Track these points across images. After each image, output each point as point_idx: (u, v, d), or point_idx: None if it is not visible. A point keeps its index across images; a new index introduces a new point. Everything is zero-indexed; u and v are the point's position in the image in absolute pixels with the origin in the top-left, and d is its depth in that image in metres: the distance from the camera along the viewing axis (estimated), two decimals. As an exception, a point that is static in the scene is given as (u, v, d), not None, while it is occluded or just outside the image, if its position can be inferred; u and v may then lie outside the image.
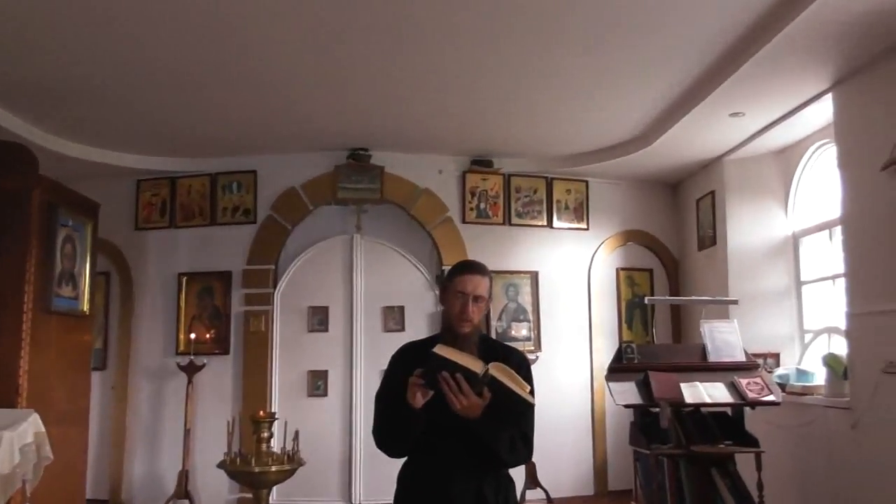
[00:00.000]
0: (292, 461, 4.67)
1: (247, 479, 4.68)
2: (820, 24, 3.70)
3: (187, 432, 5.99)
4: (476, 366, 2.14)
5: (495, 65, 4.58)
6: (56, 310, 4.55)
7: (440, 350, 2.15)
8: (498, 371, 2.15)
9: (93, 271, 5.02)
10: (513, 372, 2.17)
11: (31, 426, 3.67)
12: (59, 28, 4.01)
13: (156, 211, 6.61)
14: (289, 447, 4.70)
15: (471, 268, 2.40)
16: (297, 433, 4.72)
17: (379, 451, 2.35)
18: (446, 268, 6.21)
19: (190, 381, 6.06)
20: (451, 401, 2.13)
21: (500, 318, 6.54)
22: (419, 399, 2.17)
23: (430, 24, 4.03)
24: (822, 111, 4.85)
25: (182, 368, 6.07)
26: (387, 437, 2.32)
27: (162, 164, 6.49)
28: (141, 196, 6.64)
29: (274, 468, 4.56)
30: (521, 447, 2.28)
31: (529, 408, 2.24)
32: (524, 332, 6.56)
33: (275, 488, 5.33)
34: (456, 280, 2.36)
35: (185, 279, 6.44)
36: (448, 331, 2.36)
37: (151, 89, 4.94)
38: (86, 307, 4.93)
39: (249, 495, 5.54)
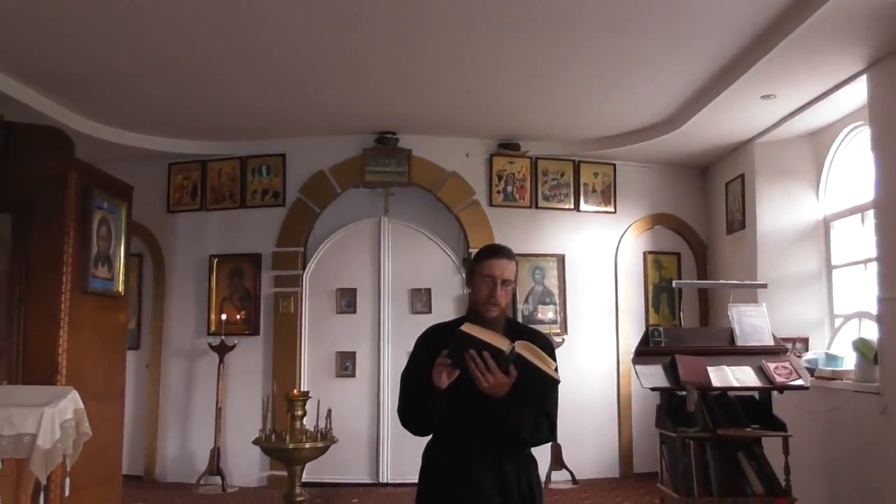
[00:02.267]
0: (325, 439, 4.76)
1: (281, 455, 4.78)
2: (855, 4, 3.63)
3: (218, 411, 6.12)
4: (503, 344, 2.16)
5: (522, 47, 4.57)
6: (92, 290, 4.64)
7: (467, 328, 2.17)
8: (524, 349, 2.16)
9: (127, 253, 5.10)
10: (539, 350, 2.19)
11: (71, 403, 3.76)
12: (96, 19, 4.11)
13: (187, 194, 6.73)
14: (321, 425, 4.79)
15: (498, 252, 2.41)
16: (329, 411, 4.80)
17: (405, 429, 2.39)
18: (473, 251, 6.28)
19: (221, 361, 6.18)
20: (478, 378, 2.15)
21: (526, 301, 6.57)
22: (444, 379, 2.19)
23: (456, 8, 4.03)
24: (856, 93, 4.77)
25: (213, 348, 6.19)
26: (411, 416, 2.36)
27: (192, 148, 6.60)
28: (172, 179, 6.76)
29: (308, 445, 4.66)
30: (545, 427, 2.31)
31: (555, 385, 2.26)
32: (550, 316, 6.58)
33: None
34: (483, 264, 2.38)
35: (215, 261, 6.55)
36: (475, 314, 2.38)
37: (182, 77, 5.04)
38: (121, 288, 5.03)
39: (280, 473, 5.67)
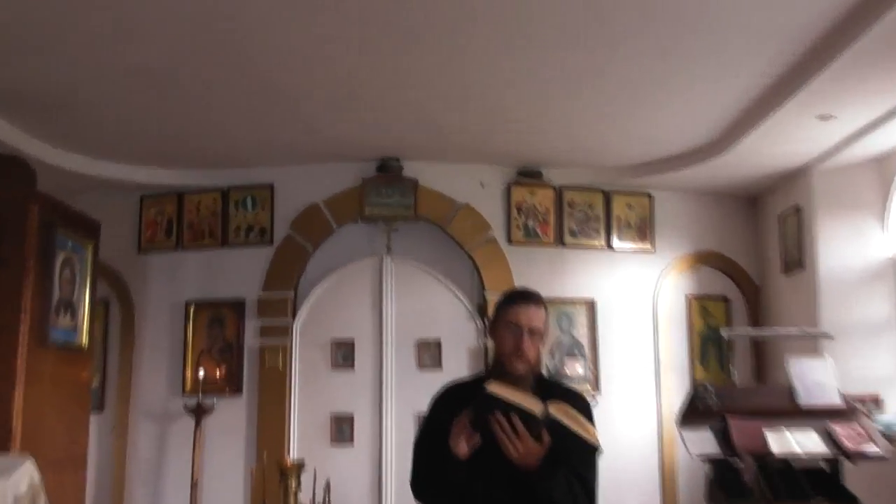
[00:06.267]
0: (325, 515, 4.72)
1: (278, 534, 4.74)
2: (926, 13, 3.68)
3: (194, 484, 6.05)
4: (534, 405, 2.18)
5: (544, 62, 4.60)
6: (53, 343, 4.67)
7: (493, 387, 2.20)
8: (559, 411, 2.18)
9: (93, 299, 5.15)
10: (576, 412, 2.21)
11: (26, 475, 3.76)
12: (58, 36, 4.17)
13: (160, 230, 6.75)
14: (319, 498, 4.75)
15: (526, 297, 2.48)
16: (327, 483, 4.76)
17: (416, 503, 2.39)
18: (489, 294, 6.31)
19: (198, 425, 6.13)
20: (506, 447, 2.16)
21: (551, 354, 6.53)
22: (463, 446, 2.22)
23: (468, 19, 4.08)
24: (929, 112, 4.81)
25: (189, 410, 6.15)
26: (426, 489, 2.39)
27: (167, 178, 6.63)
28: (144, 214, 6.79)
29: (308, 525, 4.62)
30: (584, 503, 2.30)
31: (595, 454, 2.25)
32: (580, 371, 6.54)
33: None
34: (509, 311, 2.43)
35: (192, 308, 6.55)
36: (499, 369, 2.42)
37: (156, 98, 5.09)
38: (85, 340, 5.07)
39: (265, 556, 5.59)
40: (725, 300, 7.00)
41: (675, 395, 6.34)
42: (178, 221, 6.73)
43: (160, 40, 4.28)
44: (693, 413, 4.45)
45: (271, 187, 6.65)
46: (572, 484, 2.26)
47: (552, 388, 2.48)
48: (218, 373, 6.41)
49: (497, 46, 4.42)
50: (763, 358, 6.86)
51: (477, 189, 6.66)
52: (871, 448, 4.21)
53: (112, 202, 6.60)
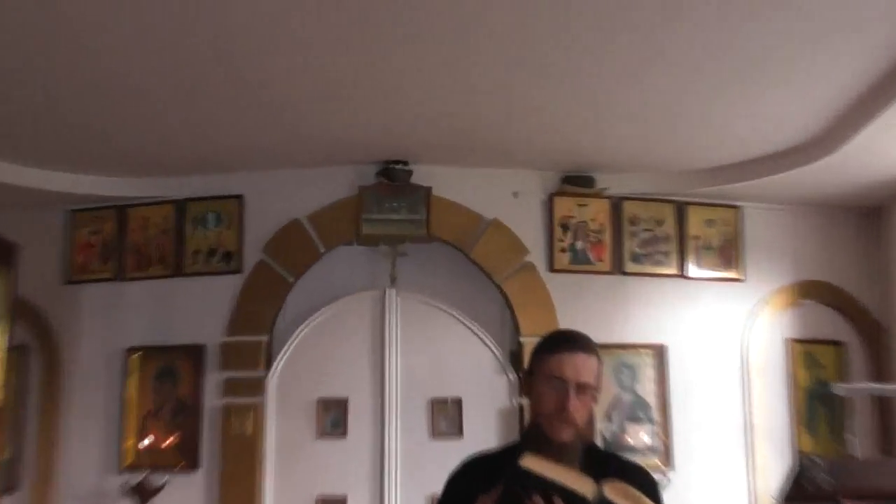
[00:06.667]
0: None
1: None
2: None
3: (137, 589, 6.01)
4: (583, 485, 2.21)
5: (596, 39, 4.56)
6: (-51, 402, 4.63)
7: (529, 461, 2.23)
8: (617, 493, 2.21)
9: (6, 344, 5.12)
10: (639, 494, 2.24)
11: None
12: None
13: (96, 255, 6.75)
14: None
15: (572, 342, 2.50)
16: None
17: None
18: (525, 339, 6.28)
19: (142, 511, 6.08)
20: (547, 539, 2.19)
21: (607, 417, 6.46)
22: (486, 536, 2.29)
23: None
24: None
25: (130, 491, 6.09)
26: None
27: (106, 187, 6.65)
28: (75, 234, 6.80)
29: None
30: None
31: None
32: (646, 439, 6.47)
33: None
34: (550, 360, 2.46)
35: (136, 357, 6.52)
36: (537, 437, 2.46)
37: (91, 86, 5.06)
38: (-7, 397, 5.03)
39: None
40: (838, 345, 6.92)
41: (773, 471, 6.24)
42: (118, 243, 6.74)
43: (97, 15, 4.20)
44: (798, 495, 4.43)
45: (240, 198, 6.66)
46: None
47: (607, 462, 2.53)
48: (168, 441, 6.37)
49: (525, 18, 4.34)
50: (890, 422, 6.75)
51: (510, 200, 6.67)
52: None
53: (34, 219, 6.64)
